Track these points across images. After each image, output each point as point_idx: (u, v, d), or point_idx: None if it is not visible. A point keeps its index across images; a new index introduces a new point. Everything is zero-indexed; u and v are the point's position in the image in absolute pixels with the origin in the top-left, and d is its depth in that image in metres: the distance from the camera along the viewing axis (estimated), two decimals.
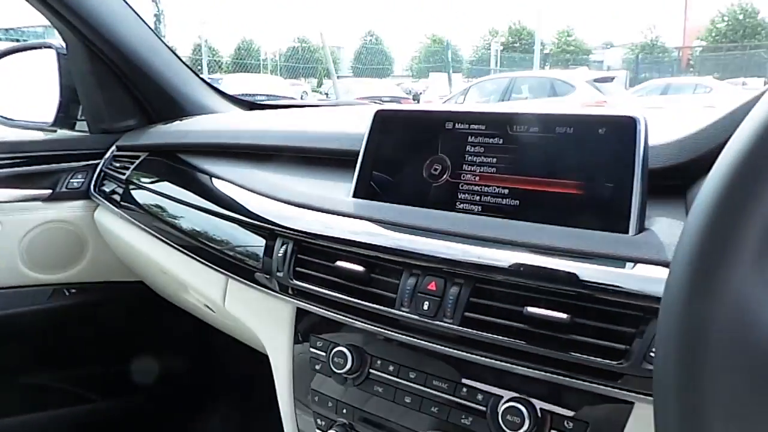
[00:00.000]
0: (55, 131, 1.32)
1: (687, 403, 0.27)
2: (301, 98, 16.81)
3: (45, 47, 1.31)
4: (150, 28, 1.22)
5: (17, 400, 1.22)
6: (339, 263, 0.63)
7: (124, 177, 1.08)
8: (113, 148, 1.19)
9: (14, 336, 1.18)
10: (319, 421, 0.67)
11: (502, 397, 0.55)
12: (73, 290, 1.22)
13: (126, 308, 1.28)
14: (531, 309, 0.51)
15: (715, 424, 0.26)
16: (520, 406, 0.52)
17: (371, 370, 0.63)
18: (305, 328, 0.70)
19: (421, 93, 20.43)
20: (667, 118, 0.75)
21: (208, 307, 0.90)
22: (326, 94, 15.04)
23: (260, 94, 10.64)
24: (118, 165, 1.14)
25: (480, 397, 0.56)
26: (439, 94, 14.63)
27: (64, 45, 1.22)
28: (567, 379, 0.50)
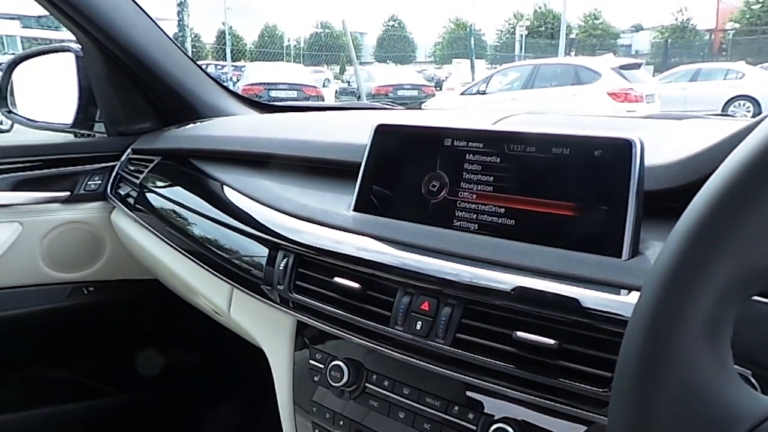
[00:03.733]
0: (74, 132, 1.36)
1: None
2: (324, 85, 16.84)
3: (64, 50, 1.34)
4: (162, 30, 1.23)
5: (41, 393, 1.27)
6: (337, 279, 0.64)
7: (138, 181, 1.11)
8: (129, 150, 1.22)
9: (36, 332, 1.23)
10: (317, 431, 0.69)
11: (493, 416, 0.55)
12: (91, 288, 1.26)
13: (142, 305, 1.32)
14: (520, 333, 0.51)
15: None
16: (509, 428, 0.53)
17: (367, 385, 0.64)
18: (305, 340, 0.72)
19: (443, 80, 20.26)
20: (678, 133, 0.74)
21: (215, 312, 0.92)
22: (348, 81, 15.01)
23: (282, 83, 10.70)
24: (132, 168, 1.17)
25: (471, 416, 0.57)
26: (461, 81, 14.47)
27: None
28: (555, 404, 0.51)
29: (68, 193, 1.20)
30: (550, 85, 8.65)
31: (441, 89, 16.18)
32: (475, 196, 0.60)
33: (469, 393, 0.57)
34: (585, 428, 0.52)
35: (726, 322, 0.26)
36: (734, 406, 0.25)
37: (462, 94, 9.75)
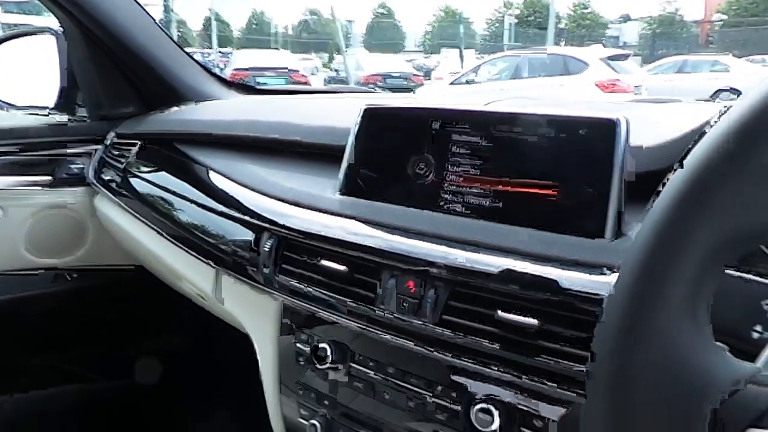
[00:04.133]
0: (56, 117, 1.33)
1: None
2: (312, 74, 16.70)
3: (45, 33, 1.31)
4: (147, 12, 1.21)
5: (22, 379, 1.26)
6: (323, 261, 0.64)
7: (121, 165, 1.09)
8: (112, 135, 1.20)
9: (18, 319, 1.21)
10: (302, 411, 0.69)
11: (475, 394, 0.56)
12: (75, 274, 1.24)
13: (126, 292, 1.31)
14: (502, 313, 0.51)
15: None
16: (492, 407, 0.53)
17: (352, 365, 0.64)
18: (290, 323, 0.72)
19: (432, 69, 20.19)
20: (662, 116, 0.74)
21: (200, 296, 0.92)
22: (337, 70, 14.90)
23: (270, 68, 10.60)
24: (116, 153, 1.15)
25: (454, 395, 0.57)
26: (450, 71, 14.43)
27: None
28: (537, 384, 0.51)
29: (50, 178, 1.18)
30: (538, 75, 8.66)
31: (430, 78, 16.13)
32: (461, 178, 0.60)
33: (453, 374, 0.58)
34: (566, 409, 0.52)
35: (705, 291, 0.27)
36: (713, 372, 0.26)
37: (451, 83, 9.73)
